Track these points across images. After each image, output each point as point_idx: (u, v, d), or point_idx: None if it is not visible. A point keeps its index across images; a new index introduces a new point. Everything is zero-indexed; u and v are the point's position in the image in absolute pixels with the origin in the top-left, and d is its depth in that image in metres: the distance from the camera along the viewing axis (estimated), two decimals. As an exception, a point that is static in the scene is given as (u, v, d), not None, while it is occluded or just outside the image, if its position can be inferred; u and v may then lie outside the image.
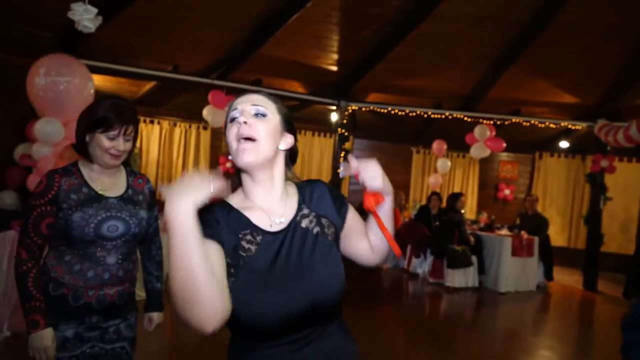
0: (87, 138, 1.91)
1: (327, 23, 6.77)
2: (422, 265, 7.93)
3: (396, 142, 10.54)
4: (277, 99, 1.39)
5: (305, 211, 1.35)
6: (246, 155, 1.26)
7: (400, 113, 8.47)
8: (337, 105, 8.47)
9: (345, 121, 8.45)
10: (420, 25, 6.77)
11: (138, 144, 9.20)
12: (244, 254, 1.22)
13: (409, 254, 8.26)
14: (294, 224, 1.31)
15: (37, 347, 1.78)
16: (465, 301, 6.81)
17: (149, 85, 8.36)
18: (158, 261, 2.17)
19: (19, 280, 1.81)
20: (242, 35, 6.95)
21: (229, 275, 1.19)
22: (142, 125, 9.28)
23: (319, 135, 10.40)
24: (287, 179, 1.39)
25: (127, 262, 1.96)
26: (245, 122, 1.27)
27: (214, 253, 1.18)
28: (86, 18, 4.13)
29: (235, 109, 1.32)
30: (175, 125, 9.65)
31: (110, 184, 1.97)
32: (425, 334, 5.26)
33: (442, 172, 9.80)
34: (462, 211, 7.66)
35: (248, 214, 1.29)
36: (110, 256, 1.90)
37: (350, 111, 8.51)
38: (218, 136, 9.77)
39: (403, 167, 10.68)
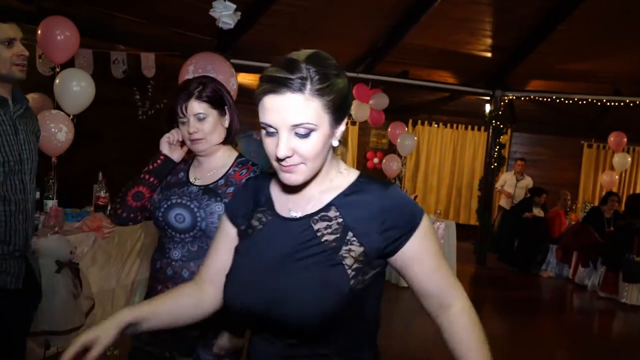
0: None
1: (477, 3, 6.25)
2: (590, 276, 7.04)
3: (563, 135, 9.62)
4: (327, 75, 1.03)
5: (332, 213, 1.12)
6: (292, 178, 1.08)
7: (567, 102, 7.73)
8: (491, 95, 7.88)
9: (500, 112, 7.84)
10: (591, -4, 5.93)
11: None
12: (250, 231, 1.18)
13: (574, 262, 7.35)
14: (307, 220, 1.13)
15: None
16: (645, 322, 5.90)
17: (298, 82, 8.52)
18: None
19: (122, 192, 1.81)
20: (386, 24, 6.74)
21: (237, 247, 1.20)
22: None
23: (472, 129, 9.96)
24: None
25: (195, 263, 1.67)
26: (288, 157, 1.04)
27: (226, 245, 1.22)
28: (225, 14, 4.22)
29: (267, 124, 1.03)
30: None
31: (209, 172, 1.77)
32: (594, 357, 4.59)
33: (619, 170, 8.46)
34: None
35: (276, 192, 1.20)
36: (175, 250, 1.70)
37: (506, 101, 7.91)
38: (365, 131, 9.66)
39: (570, 163, 9.86)
